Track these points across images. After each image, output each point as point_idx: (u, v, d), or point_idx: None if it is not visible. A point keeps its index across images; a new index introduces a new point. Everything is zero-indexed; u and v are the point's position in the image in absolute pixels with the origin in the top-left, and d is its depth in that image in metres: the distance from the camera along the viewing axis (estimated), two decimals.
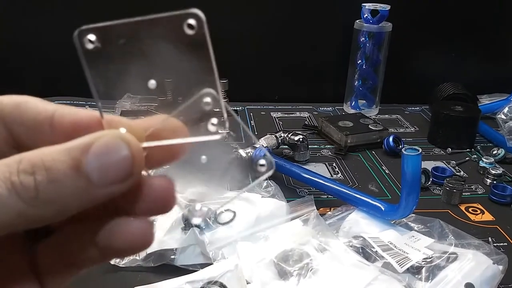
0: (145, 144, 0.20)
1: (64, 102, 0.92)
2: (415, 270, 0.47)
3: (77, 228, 0.21)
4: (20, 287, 0.20)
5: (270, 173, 0.21)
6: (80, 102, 0.92)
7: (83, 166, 0.18)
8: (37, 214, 0.18)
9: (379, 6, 0.88)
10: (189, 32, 0.19)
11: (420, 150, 0.49)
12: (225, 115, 0.21)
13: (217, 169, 0.23)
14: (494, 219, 0.60)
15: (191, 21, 0.19)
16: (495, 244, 0.55)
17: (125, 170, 0.18)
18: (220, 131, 0.21)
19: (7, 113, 0.21)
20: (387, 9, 0.87)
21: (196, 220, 0.22)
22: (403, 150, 0.50)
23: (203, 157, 0.22)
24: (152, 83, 0.21)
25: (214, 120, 0.21)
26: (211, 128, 0.21)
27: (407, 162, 0.50)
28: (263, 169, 0.21)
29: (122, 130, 0.20)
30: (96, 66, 0.20)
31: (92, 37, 0.20)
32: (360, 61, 0.92)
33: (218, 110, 0.21)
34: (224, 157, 0.23)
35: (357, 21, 0.91)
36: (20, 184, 0.17)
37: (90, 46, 0.20)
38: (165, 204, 0.20)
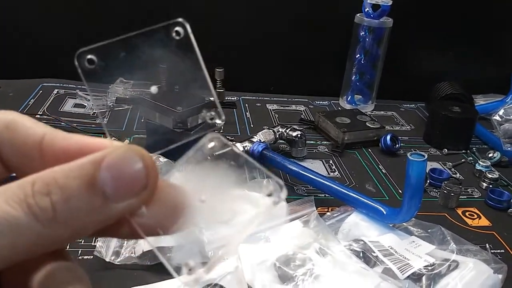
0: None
1: (56, 84, 0.89)
2: (416, 277, 0.47)
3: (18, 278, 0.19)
4: None
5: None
6: (70, 85, 0.89)
7: (97, 181, 0.17)
8: (55, 236, 0.17)
9: (380, 1, 0.86)
10: (177, 37, 0.22)
11: (426, 156, 0.49)
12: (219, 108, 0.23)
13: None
14: (491, 224, 0.60)
15: (178, 29, 0.22)
16: (492, 251, 0.55)
17: (140, 182, 0.18)
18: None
19: None
20: (389, 4, 0.86)
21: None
22: (408, 155, 0.49)
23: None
24: (153, 89, 0.24)
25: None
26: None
27: (412, 168, 0.49)
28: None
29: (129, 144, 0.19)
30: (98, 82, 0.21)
31: (92, 57, 0.20)
32: (358, 55, 0.91)
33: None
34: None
35: (358, 14, 0.89)
36: (37, 206, 0.17)
37: (91, 66, 0.20)
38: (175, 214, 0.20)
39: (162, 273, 0.47)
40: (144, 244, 0.49)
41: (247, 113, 0.87)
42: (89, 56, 0.20)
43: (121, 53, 0.22)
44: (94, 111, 0.81)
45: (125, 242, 0.50)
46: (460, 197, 0.64)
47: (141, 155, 0.18)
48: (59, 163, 0.19)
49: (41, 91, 0.86)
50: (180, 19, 0.22)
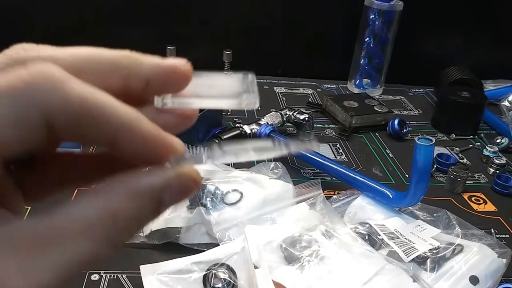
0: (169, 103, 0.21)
1: None
2: (420, 260, 0.47)
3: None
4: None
5: None
6: None
7: (162, 205, 0.19)
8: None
9: None
10: None
11: (433, 140, 0.49)
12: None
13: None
14: (497, 209, 0.61)
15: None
16: (497, 236, 0.55)
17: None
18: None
19: (125, 66, 0.20)
20: None
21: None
22: (416, 139, 0.49)
23: None
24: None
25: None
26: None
27: (420, 152, 0.49)
28: None
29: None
30: None
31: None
32: (368, 39, 0.91)
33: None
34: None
35: None
36: (120, 242, 0.19)
37: None
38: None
39: (170, 252, 0.48)
40: (152, 223, 0.49)
41: None
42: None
43: None
44: None
45: None
46: (467, 182, 0.64)
47: (197, 182, 0.20)
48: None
49: None
50: (249, 72, 0.21)
